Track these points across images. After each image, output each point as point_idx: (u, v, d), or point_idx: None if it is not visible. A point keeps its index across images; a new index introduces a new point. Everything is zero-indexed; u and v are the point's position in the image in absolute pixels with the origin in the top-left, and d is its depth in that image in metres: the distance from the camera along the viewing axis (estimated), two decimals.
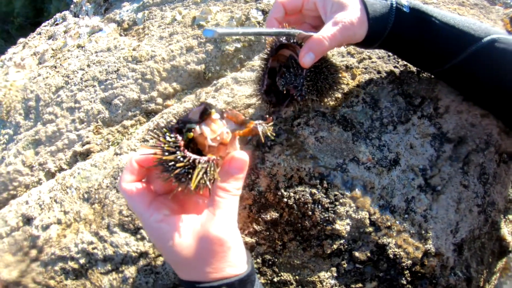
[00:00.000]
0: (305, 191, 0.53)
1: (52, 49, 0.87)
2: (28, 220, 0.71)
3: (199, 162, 0.38)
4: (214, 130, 0.41)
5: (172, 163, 0.38)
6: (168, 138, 0.39)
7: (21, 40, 0.96)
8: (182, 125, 0.41)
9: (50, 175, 0.80)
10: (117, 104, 0.76)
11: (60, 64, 0.83)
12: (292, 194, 0.53)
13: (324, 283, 0.54)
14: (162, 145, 0.39)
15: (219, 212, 0.40)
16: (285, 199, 0.53)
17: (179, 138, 0.39)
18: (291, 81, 0.51)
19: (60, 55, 0.86)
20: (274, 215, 0.53)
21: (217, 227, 0.40)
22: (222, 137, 0.41)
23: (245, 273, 0.42)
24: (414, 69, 0.65)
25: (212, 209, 0.41)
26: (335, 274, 0.54)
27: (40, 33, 0.94)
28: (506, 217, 0.72)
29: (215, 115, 0.42)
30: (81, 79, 0.79)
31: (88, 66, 0.79)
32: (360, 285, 0.55)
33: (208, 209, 0.41)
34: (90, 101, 0.78)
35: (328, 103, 0.60)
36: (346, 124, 0.57)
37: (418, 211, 0.56)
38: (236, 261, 0.41)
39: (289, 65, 0.52)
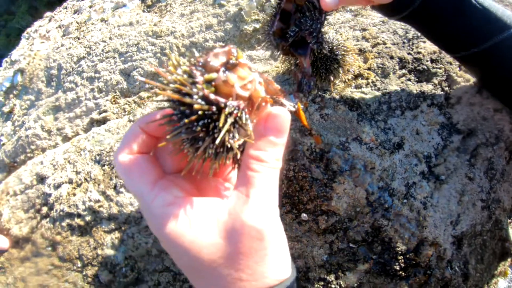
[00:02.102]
0: (305, 165, 0.52)
1: (77, 22, 0.89)
2: (41, 179, 0.73)
3: (225, 106, 0.25)
4: (243, 77, 0.27)
5: (186, 110, 0.26)
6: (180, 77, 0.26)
7: (48, 14, 0.98)
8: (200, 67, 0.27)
9: (66, 139, 0.82)
10: (136, 76, 0.77)
11: (83, 36, 0.85)
12: (292, 167, 0.52)
13: (316, 259, 0.53)
14: (173, 84, 0.27)
15: (254, 192, 0.27)
16: (285, 172, 0.52)
17: (197, 73, 0.26)
18: (306, 26, 0.43)
19: (84, 28, 0.88)
20: None
21: (253, 213, 0.27)
22: (254, 86, 0.28)
23: (291, 280, 0.29)
24: (428, 56, 0.63)
25: (244, 189, 0.27)
26: (327, 251, 0.53)
27: (66, 8, 0.96)
28: None
29: (243, 60, 0.27)
30: (102, 50, 0.80)
31: (110, 38, 0.81)
32: (352, 265, 0.53)
33: (238, 190, 0.28)
34: (109, 72, 0.79)
35: (337, 84, 0.58)
36: (353, 104, 0.56)
37: (418, 198, 0.54)
38: (279, 262, 0.28)
39: (305, 10, 0.43)
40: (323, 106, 0.55)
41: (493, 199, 0.60)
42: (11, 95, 0.89)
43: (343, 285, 0.53)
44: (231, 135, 0.26)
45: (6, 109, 0.89)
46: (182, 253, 0.27)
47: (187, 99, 0.25)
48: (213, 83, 0.26)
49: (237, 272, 0.27)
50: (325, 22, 0.44)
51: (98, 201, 0.62)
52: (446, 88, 0.62)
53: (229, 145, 0.27)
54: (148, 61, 0.74)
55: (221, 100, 0.25)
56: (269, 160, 0.28)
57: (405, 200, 0.53)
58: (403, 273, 0.54)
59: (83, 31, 0.85)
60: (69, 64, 0.81)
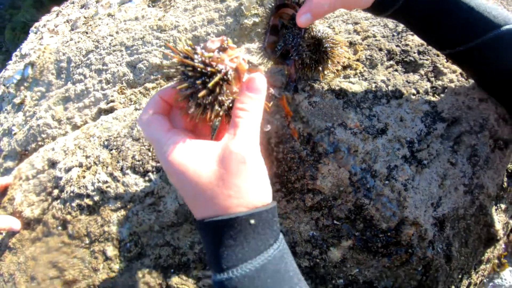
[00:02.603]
0: (294, 147, 0.59)
1: (84, 17, 0.98)
2: (53, 164, 0.82)
3: (216, 66, 0.38)
4: (231, 55, 0.40)
5: (190, 72, 0.38)
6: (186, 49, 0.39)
7: (55, 8, 1.07)
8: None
9: (76, 128, 0.91)
10: (141, 68, 0.85)
11: (91, 30, 0.93)
12: (281, 149, 0.59)
13: (303, 235, 0.59)
14: (181, 55, 0.39)
15: (239, 131, 0.38)
16: (275, 153, 0.59)
17: (198, 49, 0.39)
18: (289, 41, 0.55)
19: (92, 22, 0.96)
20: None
21: (237, 144, 0.37)
22: (239, 61, 0.40)
23: (272, 205, 0.39)
24: (415, 48, 0.68)
25: (233, 130, 0.38)
26: (313, 227, 0.59)
27: (73, 2, 1.05)
28: (498, 205, 0.74)
29: (231, 44, 0.40)
30: (109, 44, 0.88)
31: (117, 32, 0.89)
32: (336, 241, 0.60)
33: (228, 132, 0.39)
34: (116, 64, 0.87)
35: (326, 74, 0.65)
36: (339, 93, 0.62)
37: (400, 180, 0.60)
38: (260, 186, 0.38)
39: (289, 27, 0.56)
40: (311, 95, 0.62)
41: (476, 184, 0.65)
42: (22, 87, 0.98)
43: (327, 260, 0.60)
44: (222, 91, 0.39)
45: (17, 100, 0.98)
46: (185, 180, 0.37)
47: (190, 61, 0.38)
48: (210, 59, 0.39)
49: (227, 189, 0.36)
50: (306, 35, 0.55)
51: (106, 182, 0.70)
52: (432, 79, 0.68)
53: (221, 99, 0.39)
54: (153, 54, 0.82)
55: (214, 63, 0.38)
56: (249, 109, 0.39)
57: (386, 182, 0.60)
58: (384, 251, 0.60)
59: (90, 25, 0.93)
60: (78, 57, 0.90)
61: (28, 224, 0.81)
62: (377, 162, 0.60)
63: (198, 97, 0.38)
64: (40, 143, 0.91)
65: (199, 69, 0.38)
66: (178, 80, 0.40)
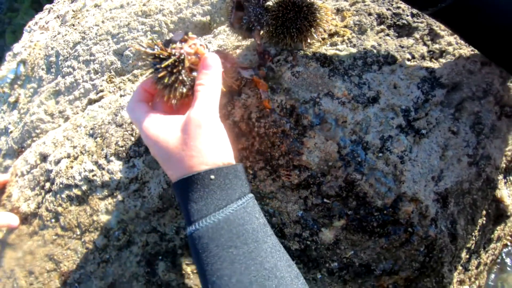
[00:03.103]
0: (275, 121, 0.55)
1: (73, 11, 0.97)
2: (44, 158, 0.81)
3: (172, 52, 0.46)
4: (190, 43, 0.48)
5: (152, 59, 0.47)
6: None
7: (47, 6, 1.07)
8: (166, 44, 0.48)
9: (68, 121, 0.90)
10: (128, 55, 0.83)
11: (78, 23, 0.93)
12: (262, 124, 0.55)
13: (291, 215, 0.56)
14: (147, 49, 0.47)
15: (197, 102, 0.44)
16: (256, 129, 0.55)
17: (159, 42, 0.47)
18: (250, 12, 0.54)
19: (80, 15, 0.95)
20: (246, 143, 0.56)
21: (195, 111, 0.43)
22: (197, 46, 0.47)
23: (233, 164, 0.44)
24: (408, 11, 0.63)
25: (193, 102, 0.45)
26: (302, 207, 0.56)
27: None
28: (508, 178, 0.67)
29: (192, 35, 0.48)
30: (96, 34, 0.87)
31: (103, 22, 0.88)
32: (328, 221, 0.56)
33: (191, 105, 0.45)
34: (104, 53, 0.86)
35: (312, 43, 0.61)
36: (325, 60, 0.58)
37: (395, 151, 0.55)
38: (219, 147, 0.44)
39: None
40: (294, 65, 0.58)
41: (482, 155, 0.60)
42: (16, 86, 0.99)
43: (319, 242, 0.56)
44: (181, 72, 0.46)
45: (12, 99, 0.99)
46: (160, 148, 0.44)
47: (150, 51, 0.47)
48: (170, 48, 0.47)
49: (190, 151, 0.43)
50: (271, 3, 0.55)
51: (92, 170, 0.69)
52: (429, 42, 0.62)
53: (181, 79, 0.46)
54: (139, 39, 0.80)
55: (169, 49, 0.46)
56: (205, 83, 0.46)
57: (380, 154, 0.55)
58: (381, 230, 0.56)
59: (78, 18, 0.93)
60: (66, 50, 0.89)
61: (26, 219, 0.81)
62: (368, 133, 0.55)
63: (160, 78, 0.46)
64: (35, 138, 0.91)
65: (157, 55, 0.46)
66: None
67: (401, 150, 0.56)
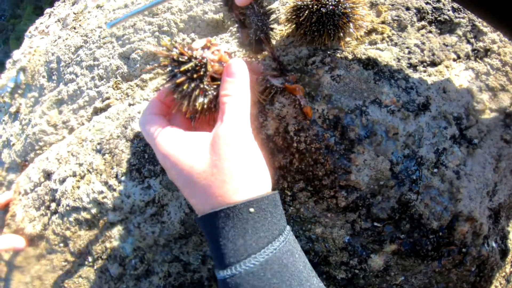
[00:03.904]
0: (318, 135, 0.39)
1: (74, 13, 0.78)
2: (48, 175, 0.64)
3: (193, 55, 0.33)
4: (214, 50, 0.35)
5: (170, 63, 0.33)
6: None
7: (48, 10, 0.87)
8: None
9: (72, 131, 0.72)
10: (135, 58, 0.65)
11: (79, 25, 0.74)
12: (303, 139, 0.40)
13: (337, 241, 0.41)
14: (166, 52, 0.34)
15: (225, 116, 0.32)
16: (295, 144, 0.40)
17: (179, 43, 0.34)
18: (252, 25, 0.40)
19: (81, 17, 0.76)
20: (283, 161, 0.40)
21: (225, 128, 0.31)
22: (220, 53, 0.34)
23: (273, 193, 0.31)
24: (449, 5, 0.48)
25: (220, 116, 0.32)
26: (349, 232, 0.41)
27: (64, 1, 0.85)
28: None
29: (214, 41, 0.35)
30: (99, 36, 0.69)
31: (106, 23, 0.69)
32: (378, 246, 0.41)
33: (217, 120, 0.33)
34: (108, 58, 0.68)
35: (348, 41, 0.45)
36: (368, 62, 0.43)
37: (450, 166, 0.41)
38: (257, 173, 0.31)
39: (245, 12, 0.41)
40: (333, 67, 0.42)
41: None
42: (16, 95, 0.80)
43: (368, 269, 0.42)
44: (203, 79, 0.33)
45: (12, 109, 0.80)
46: (179, 171, 0.31)
47: (167, 53, 0.34)
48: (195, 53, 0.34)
49: (221, 175, 0.30)
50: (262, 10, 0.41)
51: (101, 192, 0.52)
52: (472, 40, 0.47)
53: (203, 87, 0.33)
54: (146, 41, 0.62)
55: (189, 51, 0.33)
56: (231, 93, 0.32)
57: (435, 170, 0.40)
58: (435, 253, 0.42)
59: (80, 20, 0.74)
60: (67, 55, 0.70)
61: (32, 240, 0.64)
62: (422, 146, 0.40)
63: (177, 85, 0.33)
64: (38, 151, 0.73)
65: (175, 58, 0.33)
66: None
67: (456, 164, 0.41)
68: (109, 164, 0.53)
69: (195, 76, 0.32)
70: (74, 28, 0.73)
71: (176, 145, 0.31)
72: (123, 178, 0.51)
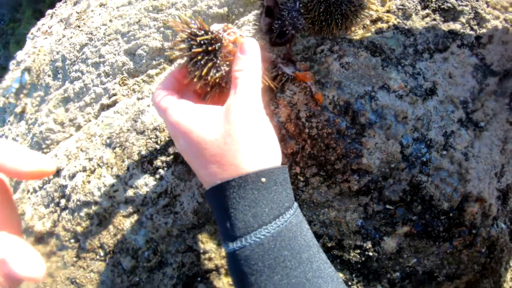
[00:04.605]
0: (329, 120, 0.41)
1: (77, 12, 0.79)
2: (57, 172, 0.65)
3: (209, 31, 0.35)
4: (230, 32, 0.37)
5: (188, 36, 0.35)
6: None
7: (49, 11, 0.89)
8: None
9: (79, 129, 0.74)
10: (141, 54, 0.67)
11: (84, 24, 0.75)
12: (314, 124, 0.41)
13: (350, 225, 0.43)
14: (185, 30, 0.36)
15: (238, 89, 0.33)
16: (307, 130, 0.41)
17: (198, 22, 0.36)
18: (285, 17, 0.41)
19: (84, 16, 0.78)
20: (295, 147, 0.42)
21: (239, 100, 0.32)
22: (236, 36, 0.36)
23: (284, 167, 0.32)
24: None
25: (233, 90, 0.33)
26: (362, 215, 0.43)
27: (66, 1, 0.87)
28: None
29: (231, 25, 0.37)
30: (104, 34, 0.70)
31: (110, 21, 0.71)
32: (390, 228, 0.43)
33: (230, 94, 0.34)
34: (114, 54, 0.69)
35: (355, 31, 0.47)
36: (375, 49, 0.45)
37: (458, 148, 0.43)
38: (269, 145, 0.32)
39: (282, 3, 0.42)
40: (342, 55, 0.44)
41: None
42: (22, 95, 0.81)
43: (381, 252, 0.43)
44: (218, 54, 0.35)
45: (18, 109, 0.81)
46: (191, 138, 0.31)
47: (186, 26, 0.36)
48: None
49: (235, 144, 0.30)
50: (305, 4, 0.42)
51: (113, 185, 0.54)
52: (475, 27, 0.50)
53: (217, 62, 0.35)
54: (152, 37, 0.64)
55: (207, 27, 0.36)
56: (243, 68, 0.34)
57: (444, 152, 0.42)
58: (446, 234, 0.43)
59: (83, 19, 0.75)
60: (73, 53, 0.72)
61: (42, 238, 0.65)
62: (430, 129, 0.42)
63: (192, 56, 0.35)
64: (45, 150, 0.74)
65: (193, 33, 0.35)
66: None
67: (464, 146, 0.43)
68: (120, 157, 0.55)
69: (209, 49, 0.34)
70: (78, 27, 0.75)
71: (188, 114, 0.32)
72: (134, 171, 0.52)
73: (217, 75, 0.34)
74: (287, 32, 0.42)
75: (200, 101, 0.37)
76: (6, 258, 0.19)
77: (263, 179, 0.29)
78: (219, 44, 0.35)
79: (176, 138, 0.33)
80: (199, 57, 0.34)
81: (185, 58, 0.36)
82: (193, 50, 0.34)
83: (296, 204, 0.32)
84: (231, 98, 0.33)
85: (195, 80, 0.35)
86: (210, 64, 0.34)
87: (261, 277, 0.27)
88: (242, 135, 0.30)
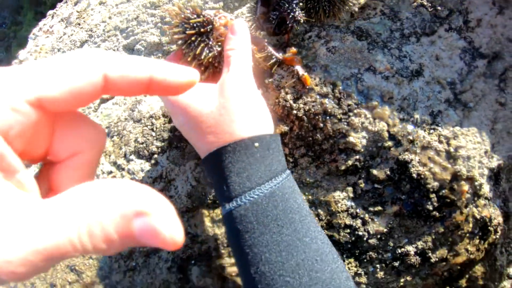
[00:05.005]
0: (316, 101, 0.43)
1: (77, 12, 0.84)
2: None
3: (202, 14, 0.39)
4: (220, 16, 0.40)
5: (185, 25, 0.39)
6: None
7: (50, 12, 0.94)
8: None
9: None
10: (140, 49, 0.70)
11: (84, 21, 0.79)
12: (301, 106, 0.43)
13: (339, 204, 0.44)
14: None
15: (231, 66, 0.36)
16: (294, 111, 0.43)
17: (191, 7, 0.39)
18: (284, 8, 0.43)
19: (85, 14, 0.82)
20: (284, 129, 0.44)
21: (232, 75, 0.35)
22: (227, 19, 0.40)
23: (276, 135, 0.35)
24: None
25: (226, 68, 0.37)
26: (351, 195, 0.44)
27: (66, 2, 0.91)
28: None
29: (221, 10, 0.41)
30: (103, 30, 0.74)
31: (110, 18, 0.75)
32: (380, 208, 0.44)
33: (223, 71, 0.37)
34: (113, 50, 0.73)
35: (342, 18, 0.49)
36: (361, 34, 0.46)
37: (446, 127, 0.44)
38: (261, 115, 0.36)
39: None
40: (329, 40, 0.46)
41: None
42: None
43: (371, 231, 0.44)
44: (211, 36, 0.39)
45: None
46: (188, 112, 0.35)
47: (180, 11, 0.39)
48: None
49: (230, 115, 0.33)
50: None
51: (111, 172, 0.56)
52: (464, 11, 0.51)
53: (209, 43, 0.38)
54: (150, 32, 0.67)
55: (199, 11, 0.39)
56: (235, 47, 0.37)
57: (431, 131, 0.44)
58: (437, 214, 0.44)
59: (83, 17, 0.80)
60: (73, 50, 0.76)
61: None
62: (417, 108, 0.44)
63: (187, 36, 0.38)
64: None
65: (187, 17, 0.38)
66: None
67: (452, 125, 0.45)
68: (118, 145, 0.57)
69: (202, 30, 0.37)
70: (79, 24, 0.79)
71: (186, 93, 0.35)
72: (131, 157, 0.55)
73: (210, 54, 0.38)
74: (288, 23, 0.45)
75: None
76: (156, 213, 0.15)
77: (256, 144, 0.32)
78: (211, 26, 0.38)
79: (175, 115, 0.37)
80: (193, 39, 0.37)
81: (180, 42, 0.39)
82: (186, 32, 0.37)
83: (289, 171, 0.35)
84: (224, 74, 0.36)
85: (189, 60, 0.38)
86: (202, 44, 0.38)
87: (254, 234, 0.30)
88: (235, 107, 0.34)
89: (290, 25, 0.44)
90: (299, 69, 0.43)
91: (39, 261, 0.13)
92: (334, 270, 0.31)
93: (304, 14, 0.44)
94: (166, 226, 0.15)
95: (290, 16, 0.44)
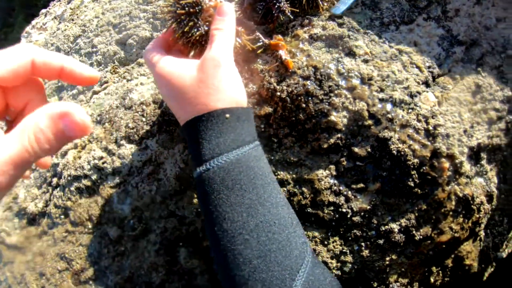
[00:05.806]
0: (298, 83, 0.47)
1: (71, 9, 0.89)
2: None
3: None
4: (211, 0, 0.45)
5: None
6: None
7: (43, 10, 0.99)
8: None
9: None
10: (132, 43, 0.75)
11: (77, 17, 0.85)
12: (284, 87, 0.47)
13: (323, 182, 0.47)
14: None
15: (214, 44, 0.41)
16: (278, 93, 0.47)
17: None
18: (278, 4, 0.48)
19: (78, 11, 0.87)
20: (268, 110, 0.48)
21: (212, 52, 0.40)
22: (216, 1, 0.44)
23: (247, 107, 0.40)
24: None
25: (209, 45, 0.41)
26: (334, 173, 0.47)
27: (59, 0, 0.97)
28: None
29: None
30: (96, 25, 0.79)
31: (103, 13, 0.80)
32: (362, 185, 0.47)
33: (206, 49, 0.42)
34: (106, 44, 0.78)
35: (325, 8, 0.54)
36: (342, 22, 0.51)
37: (424, 107, 0.48)
38: (236, 89, 0.40)
39: None
40: (311, 27, 0.50)
41: (509, 110, 0.53)
42: None
43: (355, 209, 0.47)
44: (198, 16, 0.43)
45: None
46: (172, 83, 0.40)
47: None
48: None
49: (207, 89, 0.39)
50: None
51: (101, 157, 0.59)
52: (442, 2, 0.56)
53: (197, 23, 0.43)
54: (142, 27, 0.72)
55: None
56: (220, 27, 0.42)
57: (410, 110, 0.47)
58: (419, 191, 0.47)
59: (77, 14, 0.85)
60: (66, 44, 0.80)
61: (34, 219, 0.70)
62: (396, 90, 0.47)
63: (178, 15, 0.43)
64: None
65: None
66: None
67: (431, 105, 0.48)
68: (109, 131, 0.61)
69: (191, 11, 0.42)
70: (72, 20, 0.84)
71: (171, 67, 0.40)
72: (122, 142, 0.58)
73: (197, 33, 0.43)
74: (273, 13, 0.49)
75: (184, 58, 0.45)
76: (72, 110, 0.24)
77: (227, 115, 0.37)
78: (200, 7, 0.43)
79: (160, 86, 0.42)
80: (182, 17, 0.42)
81: (171, 20, 0.43)
82: (177, 11, 0.42)
83: (258, 142, 0.40)
84: (206, 52, 0.41)
85: (177, 36, 0.43)
86: (191, 23, 0.42)
87: (219, 195, 0.35)
88: (213, 82, 0.39)
89: (276, 15, 0.49)
90: (282, 53, 0.47)
91: (10, 170, 0.22)
92: (291, 234, 0.36)
93: (289, 5, 0.49)
94: (80, 118, 0.25)
95: (276, 6, 0.48)
